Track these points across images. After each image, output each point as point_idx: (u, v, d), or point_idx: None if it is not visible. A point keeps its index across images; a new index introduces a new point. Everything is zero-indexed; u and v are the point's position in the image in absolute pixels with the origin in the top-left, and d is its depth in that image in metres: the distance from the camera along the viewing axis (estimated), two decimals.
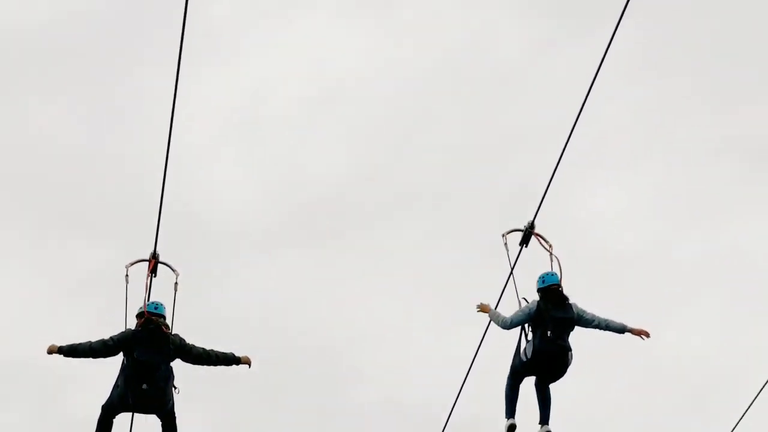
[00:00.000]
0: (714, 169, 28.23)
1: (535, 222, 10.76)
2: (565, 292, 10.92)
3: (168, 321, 10.71)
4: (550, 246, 11.10)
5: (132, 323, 10.66)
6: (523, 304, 10.95)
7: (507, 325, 10.81)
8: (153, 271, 10.76)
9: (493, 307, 10.89)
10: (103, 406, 10.63)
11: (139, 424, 10.89)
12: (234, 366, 10.91)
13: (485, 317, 10.91)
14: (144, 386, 10.24)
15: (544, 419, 11.08)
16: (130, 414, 10.68)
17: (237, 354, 10.91)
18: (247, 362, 10.96)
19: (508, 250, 10.93)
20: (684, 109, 28.35)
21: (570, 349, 10.75)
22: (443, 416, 11.99)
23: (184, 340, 10.65)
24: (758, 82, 27.10)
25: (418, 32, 28.61)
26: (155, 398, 10.39)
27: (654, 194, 28.41)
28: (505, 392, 11.07)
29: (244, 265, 27.41)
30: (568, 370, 10.84)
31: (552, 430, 11.03)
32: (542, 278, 11.01)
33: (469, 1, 28.12)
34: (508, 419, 10.95)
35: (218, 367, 10.89)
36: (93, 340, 10.42)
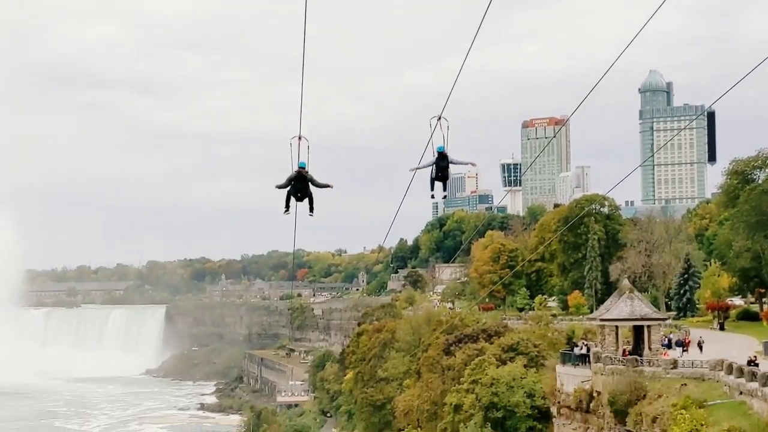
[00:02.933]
0: None
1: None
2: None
3: None
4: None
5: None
6: (431, 158, 26.25)
7: (426, 164, 26.22)
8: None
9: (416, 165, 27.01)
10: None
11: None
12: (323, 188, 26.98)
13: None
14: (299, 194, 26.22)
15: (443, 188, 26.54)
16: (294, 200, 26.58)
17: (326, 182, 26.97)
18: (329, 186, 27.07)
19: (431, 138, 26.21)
20: None
21: (448, 169, 26.25)
22: None
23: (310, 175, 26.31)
24: None
25: None
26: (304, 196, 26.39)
27: None
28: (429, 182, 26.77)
29: None
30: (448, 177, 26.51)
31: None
32: (439, 147, 25.91)
33: None
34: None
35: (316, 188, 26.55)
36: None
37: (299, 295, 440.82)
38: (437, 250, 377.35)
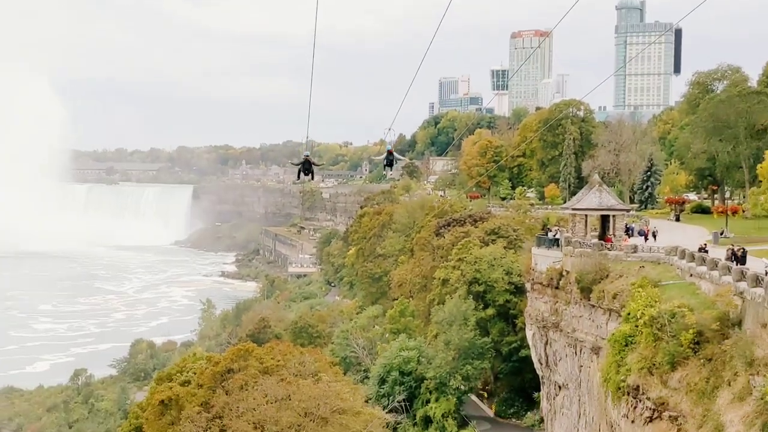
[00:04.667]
0: None
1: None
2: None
3: None
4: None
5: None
6: (384, 155, 41.35)
7: (382, 157, 41.98)
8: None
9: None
10: (298, 170, 40.32)
11: None
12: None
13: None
14: (306, 172, 40.20)
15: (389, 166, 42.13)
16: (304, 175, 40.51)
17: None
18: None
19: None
20: None
21: (393, 163, 41.69)
22: None
23: (312, 159, 40.28)
24: None
25: None
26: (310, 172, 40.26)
27: None
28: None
29: None
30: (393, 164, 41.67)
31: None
32: (388, 147, 42.02)
33: None
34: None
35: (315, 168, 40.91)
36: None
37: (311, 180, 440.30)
38: (432, 145, 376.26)
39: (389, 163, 42.39)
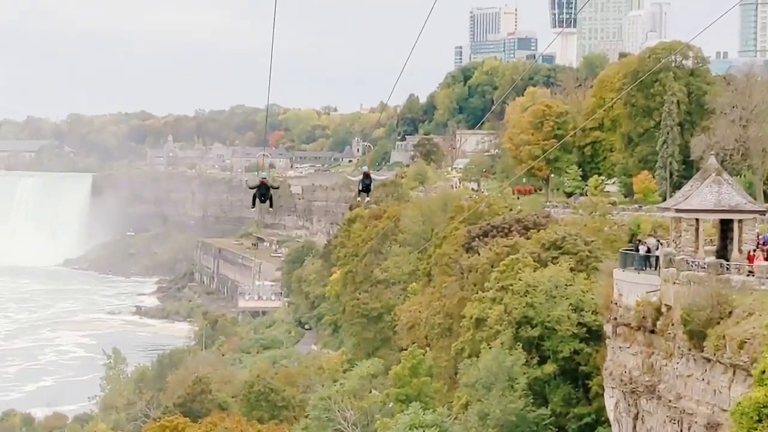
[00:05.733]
0: None
1: None
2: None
3: None
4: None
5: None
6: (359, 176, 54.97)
7: (358, 180, 55.10)
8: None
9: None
10: (254, 195, 50.28)
11: None
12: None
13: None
14: (262, 197, 49.86)
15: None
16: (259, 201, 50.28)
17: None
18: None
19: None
20: None
21: (370, 185, 55.02)
22: None
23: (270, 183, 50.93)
24: None
25: None
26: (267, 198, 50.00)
27: None
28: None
29: None
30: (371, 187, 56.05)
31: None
32: (362, 170, 55.48)
33: None
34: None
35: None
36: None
37: (272, 166, 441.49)
38: (459, 112, 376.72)
39: (365, 188, 52.95)
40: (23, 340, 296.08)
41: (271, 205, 50.88)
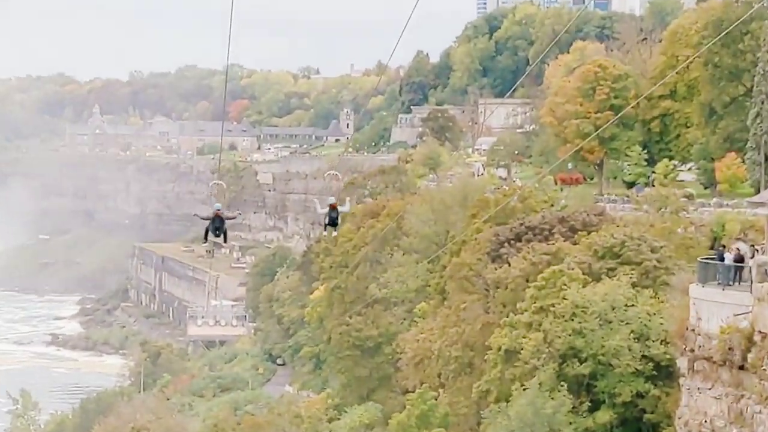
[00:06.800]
0: None
1: None
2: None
3: None
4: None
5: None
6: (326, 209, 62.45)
7: (321, 211, 63.11)
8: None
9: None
10: (206, 228, 57.02)
11: None
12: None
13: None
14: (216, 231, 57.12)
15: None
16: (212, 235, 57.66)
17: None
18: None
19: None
20: None
21: (338, 217, 62.79)
22: None
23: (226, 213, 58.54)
24: None
25: None
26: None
27: None
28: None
29: None
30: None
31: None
32: (328, 201, 62.99)
33: None
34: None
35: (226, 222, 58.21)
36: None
37: (233, 147, 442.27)
38: (483, 75, 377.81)
39: (332, 222, 60.07)
40: None
41: (225, 240, 57.19)
